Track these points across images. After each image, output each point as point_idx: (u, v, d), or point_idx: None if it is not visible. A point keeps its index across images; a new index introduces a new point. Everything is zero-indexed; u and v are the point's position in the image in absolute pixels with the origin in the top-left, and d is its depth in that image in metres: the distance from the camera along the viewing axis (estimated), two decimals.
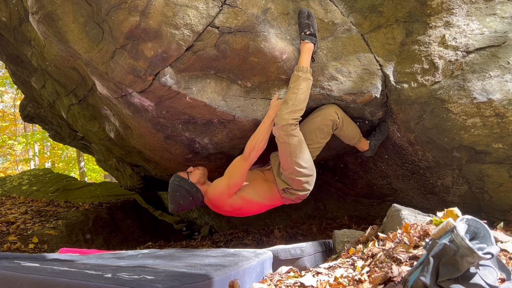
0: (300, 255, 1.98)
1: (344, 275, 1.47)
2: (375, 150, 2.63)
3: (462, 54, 2.18)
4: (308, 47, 2.22)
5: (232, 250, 1.95)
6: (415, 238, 1.52)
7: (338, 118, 2.37)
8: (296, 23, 2.29)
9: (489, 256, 1.00)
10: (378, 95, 2.35)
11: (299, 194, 2.38)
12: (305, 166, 2.28)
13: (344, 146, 2.69)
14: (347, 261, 1.67)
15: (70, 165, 16.26)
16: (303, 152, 2.26)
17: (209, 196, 2.35)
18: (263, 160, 2.85)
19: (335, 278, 1.45)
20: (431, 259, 1.05)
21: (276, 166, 2.43)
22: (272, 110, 2.24)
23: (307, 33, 2.22)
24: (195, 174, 2.41)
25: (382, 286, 1.23)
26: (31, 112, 5.25)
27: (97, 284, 1.07)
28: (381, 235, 1.75)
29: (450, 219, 1.08)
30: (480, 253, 0.98)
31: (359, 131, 2.54)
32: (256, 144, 2.25)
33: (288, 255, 1.95)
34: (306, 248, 2.03)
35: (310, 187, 2.40)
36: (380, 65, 2.36)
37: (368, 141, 2.59)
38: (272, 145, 2.36)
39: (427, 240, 1.32)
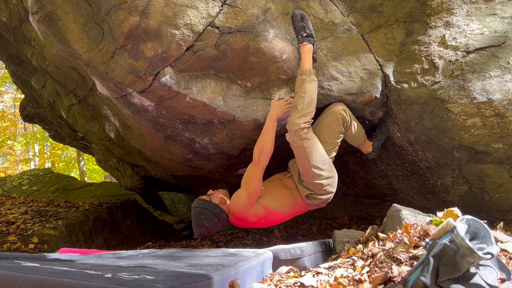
0: (300, 255, 1.98)
1: (344, 275, 1.47)
2: (378, 151, 2.63)
3: (462, 54, 2.18)
4: (307, 49, 2.22)
5: (232, 250, 1.95)
6: (415, 238, 1.52)
7: (347, 115, 2.36)
8: None
9: (489, 256, 1.00)
10: (378, 95, 2.35)
11: (323, 198, 2.35)
12: (323, 168, 2.26)
13: (344, 146, 2.68)
14: (347, 261, 1.67)
15: (70, 165, 16.27)
16: (319, 154, 2.25)
17: (232, 211, 2.29)
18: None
19: (335, 278, 1.45)
20: (431, 259, 1.05)
21: (296, 173, 2.40)
22: (273, 111, 2.24)
23: (304, 35, 2.22)
24: (216, 196, 2.34)
25: (382, 286, 1.23)
26: (31, 112, 5.25)
27: (97, 284, 1.07)
28: (381, 235, 1.75)
29: (450, 219, 1.08)
30: (480, 253, 0.98)
31: (364, 131, 2.53)
32: (263, 147, 2.23)
33: (288, 255, 1.95)
34: (306, 248, 2.03)
35: (333, 189, 2.37)
36: (380, 65, 2.36)
37: (371, 143, 2.58)
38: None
39: (427, 240, 1.32)
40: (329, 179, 2.31)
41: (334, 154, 2.42)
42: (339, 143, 2.44)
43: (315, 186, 2.29)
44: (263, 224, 2.42)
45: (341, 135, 2.42)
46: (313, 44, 2.23)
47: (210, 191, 2.39)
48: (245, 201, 2.24)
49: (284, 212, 2.39)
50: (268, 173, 3.05)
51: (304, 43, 2.21)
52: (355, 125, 2.44)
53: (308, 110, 2.18)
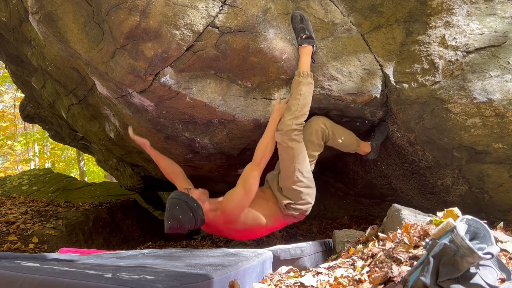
0: (300, 255, 1.98)
1: (344, 275, 1.47)
2: (378, 151, 2.62)
3: (462, 54, 2.18)
4: (306, 51, 2.22)
5: (232, 250, 1.95)
6: (415, 238, 1.52)
7: (327, 128, 2.37)
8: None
9: (489, 256, 1.00)
10: (378, 95, 2.35)
11: (302, 208, 2.33)
12: (306, 175, 2.27)
13: None
14: (347, 261, 1.67)
15: (70, 165, 16.27)
16: (305, 159, 2.26)
17: (224, 208, 2.20)
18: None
19: (335, 278, 1.45)
20: (431, 259, 1.05)
21: (275, 183, 2.39)
22: (276, 113, 2.23)
23: (303, 37, 2.22)
24: (195, 192, 2.25)
25: (382, 286, 1.23)
26: (31, 112, 5.25)
27: (97, 284, 1.07)
28: (381, 235, 1.75)
29: (450, 219, 1.08)
30: (480, 253, 0.98)
31: (354, 137, 2.52)
32: (266, 148, 2.23)
33: (288, 255, 1.95)
34: (306, 248, 2.03)
35: (312, 200, 2.36)
36: (380, 65, 2.36)
37: (370, 143, 2.57)
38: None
39: (427, 240, 1.32)
40: (308, 188, 2.31)
41: (313, 167, 2.42)
42: (317, 157, 2.43)
43: (294, 193, 2.27)
44: (244, 235, 2.40)
45: (321, 148, 2.42)
46: (312, 46, 2.23)
47: (190, 187, 2.33)
48: (241, 200, 2.19)
49: (265, 226, 2.33)
50: (267, 173, 3.05)
51: (304, 45, 2.22)
52: (340, 134, 2.45)
53: (302, 112, 2.20)
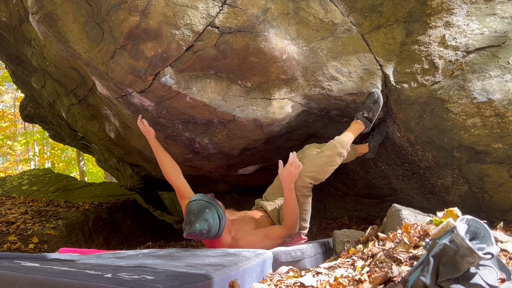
0: (301, 257, 1.97)
1: (344, 275, 1.47)
2: (376, 151, 2.63)
3: (462, 54, 2.18)
4: (358, 128, 2.27)
5: (232, 250, 1.94)
6: (415, 238, 1.52)
7: None
8: (296, 23, 2.29)
9: (489, 256, 1.00)
10: None
11: (302, 233, 2.39)
12: (308, 220, 2.32)
13: None
14: (347, 261, 1.67)
15: (70, 165, 16.27)
16: (309, 208, 2.30)
17: (236, 239, 2.11)
18: (264, 161, 2.85)
19: (335, 278, 1.45)
20: (431, 259, 1.05)
21: (275, 215, 2.41)
22: (288, 182, 2.16)
23: (365, 115, 2.25)
24: (222, 205, 2.15)
25: (382, 286, 1.23)
26: (31, 112, 5.25)
27: (97, 284, 1.07)
28: (381, 235, 1.75)
29: (450, 219, 1.08)
30: (480, 253, 0.98)
31: (351, 149, 2.54)
32: (297, 217, 2.20)
33: (289, 257, 1.94)
34: (306, 250, 2.02)
35: (308, 224, 2.41)
36: (380, 65, 2.36)
37: (367, 144, 2.58)
38: (271, 148, 2.35)
39: (427, 240, 1.32)
40: (306, 229, 2.38)
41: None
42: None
43: (296, 235, 2.31)
44: None
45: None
46: (365, 127, 2.28)
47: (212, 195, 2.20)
48: (255, 246, 2.06)
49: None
50: (267, 173, 3.06)
51: (359, 121, 2.26)
52: None
53: (323, 177, 2.21)
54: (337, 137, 2.25)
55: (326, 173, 2.21)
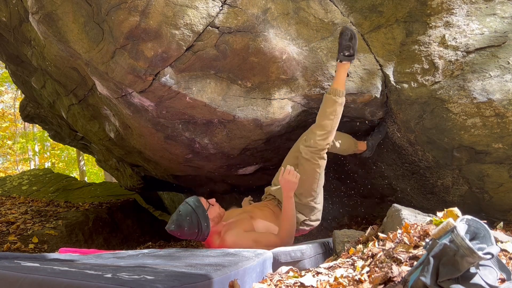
0: (301, 258, 1.97)
1: (344, 275, 1.47)
2: (373, 150, 2.63)
3: (462, 54, 2.18)
4: (345, 68, 2.21)
5: (232, 250, 1.94)
6: (415, 238, 1.52)
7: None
8: (296, 23, 2.29)
9: (489, 256, 1.00)
10: (378, 95, 2.35)
11: (313, 225, 2.35)
12: (320, 193, 2.30)
13: None
14: (347, 261, 1.67)
15: (70, 165, 16.26)
16: (323, 177, 2.28)
17: (226, 240, 2.08)
18: (264, 161, 2.85)
19: (335, 278, 1.45)
20: (431, 259, 1.05)
21: (280, 195, 2.34)
22: (288, 191, 2.11)
23: (347, 54, 2.19)
24: (215, 211, 2.13)
25: (382, 286, 1.23)
26: (31, 112, 5.25)
27: (97, 284, 1.07)
28: (381, 235, 1.75)
29: (450, 219, 1.08)
30: (480, 253, 0.98)
31: (352, 140, 2.55)
32: (292, 228, 2.14)
33: (289, 258, 1.94)
34: (306, 251, 2.02)
35: (320, 218, 2.39)
36: (380, 65, 2.36)
37: (366, 142, 2.59)
38: (271, 148, 2.35)
39: (427, 240, 1.32)
40: (320, 205, 2.35)
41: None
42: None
43: (309, 210, 2.29)
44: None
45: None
46: (350, 62, 2.22)
47: (213, 201, 2.18)
48: (244, 246, 2.06)
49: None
50: (267, 173, 3.06)
51: (344, 62, 2.19)
52: (338, 139, 2.47)
53: (333, 132, 2.21)
54: (330, 88, 2.20)
55: (335, 127, 2.22)
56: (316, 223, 2.37)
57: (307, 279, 1.51)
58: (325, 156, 2.23)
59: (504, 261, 1.21)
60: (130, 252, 2.12)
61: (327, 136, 2.19)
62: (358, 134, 2.68)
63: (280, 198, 2.37)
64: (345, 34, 2.20)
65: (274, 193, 2.46)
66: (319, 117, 2.22)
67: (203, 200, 2.13)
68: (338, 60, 2.20)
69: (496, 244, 1.16)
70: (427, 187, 2.71)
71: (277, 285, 1.55)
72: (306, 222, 2.31)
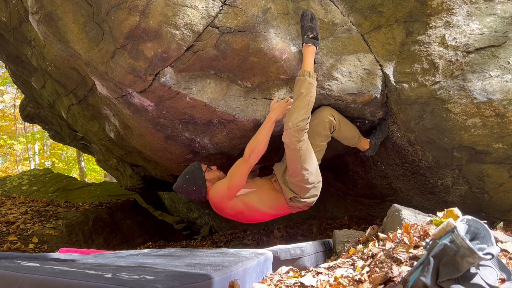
0: (300, 255, 1.97)
1: (344, 275, 1.47)
2: (376, 149, 2.63)
3: (462, 54, 2.18)
4: (311, 50, 2.21)
5: (232, 250, 1.95)
6: (415, 238, 1.52)
7: (335, 119, 2.39)
8: (296, 23, 2.29)
9: (489, 256, 1.00)
10: (378, 95, 2.35)
11: (307, 201, 2.37)
12: (313, 172, 2.28)
13: (344, 146, 2.68)
14: (347, 261, 1.67)
15: (70, 165, 16.26)
16: (311, 157, 2.27)
17: (210, 197, 2.35)
18: (264, 161, 2.84)
19: (335, 278, 1.45)
20: (431, 259, 1.05)
21: (280, 174, 2.42)
22: (273, 112, 2.23)
23: (310, 36, 2.21)
24: (212, 173, 2.39)
25: (382, 286, 1.23)
26: (31, 112, 5.25)
27: (97, 284, 1.07)
28: (381, 235, 1.75)
29: (451, 220, 1.08)
30: (480, 253, 0.98)
31: (357, 131, 2.54)
32: (256, 146, 2.23)
33: (288, 255, 1.95)
34: (306, 248, 2.02)
35: (318, 193, 2.41)
36: (380, 65, 2.36)
37: (369, 140, 2.58)
38: (271, 148, 2.36)
39: (427, 240, 1.32)
40: (316, 183, 2.35)
41: (320, 157, 2.47)
42: (325, 146, 2.49)
43: (301, 190, 2.31)
44: (239, 219, 2.45)
45: (327, 139, 2.46)
46: (316, 47, 2.23)
47: (215, 167, 2.45)
48: (224, 194, 2.29)
49: (265, 212, 2.42)
50: (267, 173, 3.06)
51: (309, 44, 2.21)
52: (345, 126, 2.47)
53: (309, 113, 2.19)
54: (300, 72, 2.21)
55: (311, 107, 2.22)
56: (310, 200, 2.39)
57: (307, 279, 1.51)
58: (305, 138, 2.21)
59: (504, 261, 1.21)
60: (130, 252, 2.13)
61: (303, 117, 2.16)
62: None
63: (277, 173, 2.46)
64: (306, 15, 2.24)
65: (274, 167, 2.54)
66: (294, 99, 2.22)
67: (203, 164, 2.44)
68: (304, 43, 2.23)
69: (496, 244, 1.16)
70: (427, 187, 2.71)
71: (277, 285, 1.55)
72: (296, 199, 2.35)
